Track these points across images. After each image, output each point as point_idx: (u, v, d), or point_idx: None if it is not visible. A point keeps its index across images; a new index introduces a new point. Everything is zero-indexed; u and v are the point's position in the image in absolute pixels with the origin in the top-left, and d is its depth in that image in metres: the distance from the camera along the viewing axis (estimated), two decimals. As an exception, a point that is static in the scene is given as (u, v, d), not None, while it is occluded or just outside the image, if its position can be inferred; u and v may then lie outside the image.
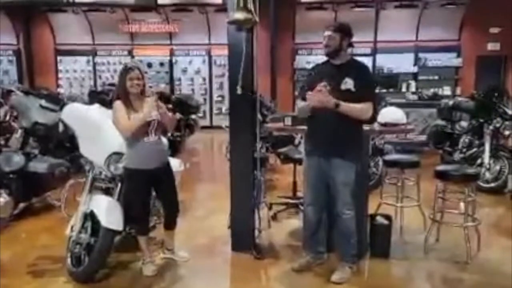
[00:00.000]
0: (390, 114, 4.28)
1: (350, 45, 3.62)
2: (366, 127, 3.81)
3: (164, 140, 3.87)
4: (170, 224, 3.91)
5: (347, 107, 3.42)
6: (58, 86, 14.04)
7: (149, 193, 3.77)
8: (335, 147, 3.52)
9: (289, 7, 12.83)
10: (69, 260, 3.66)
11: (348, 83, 3.47)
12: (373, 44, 11.10)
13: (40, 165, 5.18)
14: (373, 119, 3.70)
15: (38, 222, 5.10)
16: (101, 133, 3.76)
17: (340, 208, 3.58)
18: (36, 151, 5.77)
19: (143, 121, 3.46)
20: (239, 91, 3.98)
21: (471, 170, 4.43)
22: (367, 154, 4.23)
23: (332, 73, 3.57)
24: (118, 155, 3.70)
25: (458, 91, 12.48)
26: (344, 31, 3.56)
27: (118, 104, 3.53)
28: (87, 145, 3.85)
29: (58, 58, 14.28)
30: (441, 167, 4.37)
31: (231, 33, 4.04)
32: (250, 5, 3.75)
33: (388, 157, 5.21)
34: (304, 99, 3.62)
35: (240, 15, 3.76)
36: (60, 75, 14.34)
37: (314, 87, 3.48)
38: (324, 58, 3.69)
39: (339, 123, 3.45)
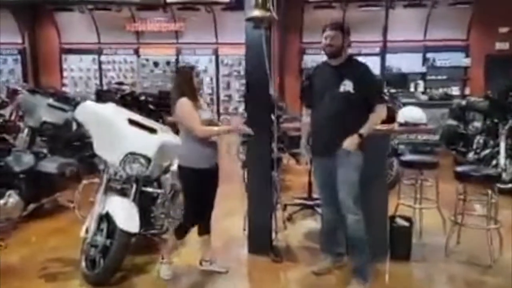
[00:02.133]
0: (410, 113, 4.18)
1: (349, 44, 3.55)
2: (384, 127, 3.72)
3: None
4: (207, 226, 3.74)
5: (369, 128, 3.39)
6: (63, 85, 13.97)
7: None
8: (335, 145, 3.42)
9: (297, 6, 12.71)
10: (83, 263, 3.56)
11: (347, 85, 3.39)
12: (383, 43, 10.96)
13: (50, 165, 5.05)
14: (392, 119, 3.61)
15: (48, 224, 4.99)
16: (117, 133, 3.63)
17: (344, 211, 3.45)
18: (44, 151, 5.66)
19: (224, 133, 3.64)
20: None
21: (492, 171, 4.35)
22: (385, 154, 4.14)
23: (330, 75, 3.50)
24: (134, 155, 3.58)
25: (467, 91, 12.37)
26: (344, 30, 3.50)
27: (186, 101, 3.46)
28: (102, 144, 3.73)
29: (63, 56, 14.19)
30: (461, 168, 4.28)
31: (249, 32, 3.96)
32: (269, 4, 3.67)
33: (405, 158, 5.11)
34: (308, 106, 3.70)
35: (258, 12, 3.68)
36: (65, 74, 14.26)
37: (312, 92, 3.58)
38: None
39: (338, 122, 3.39)
